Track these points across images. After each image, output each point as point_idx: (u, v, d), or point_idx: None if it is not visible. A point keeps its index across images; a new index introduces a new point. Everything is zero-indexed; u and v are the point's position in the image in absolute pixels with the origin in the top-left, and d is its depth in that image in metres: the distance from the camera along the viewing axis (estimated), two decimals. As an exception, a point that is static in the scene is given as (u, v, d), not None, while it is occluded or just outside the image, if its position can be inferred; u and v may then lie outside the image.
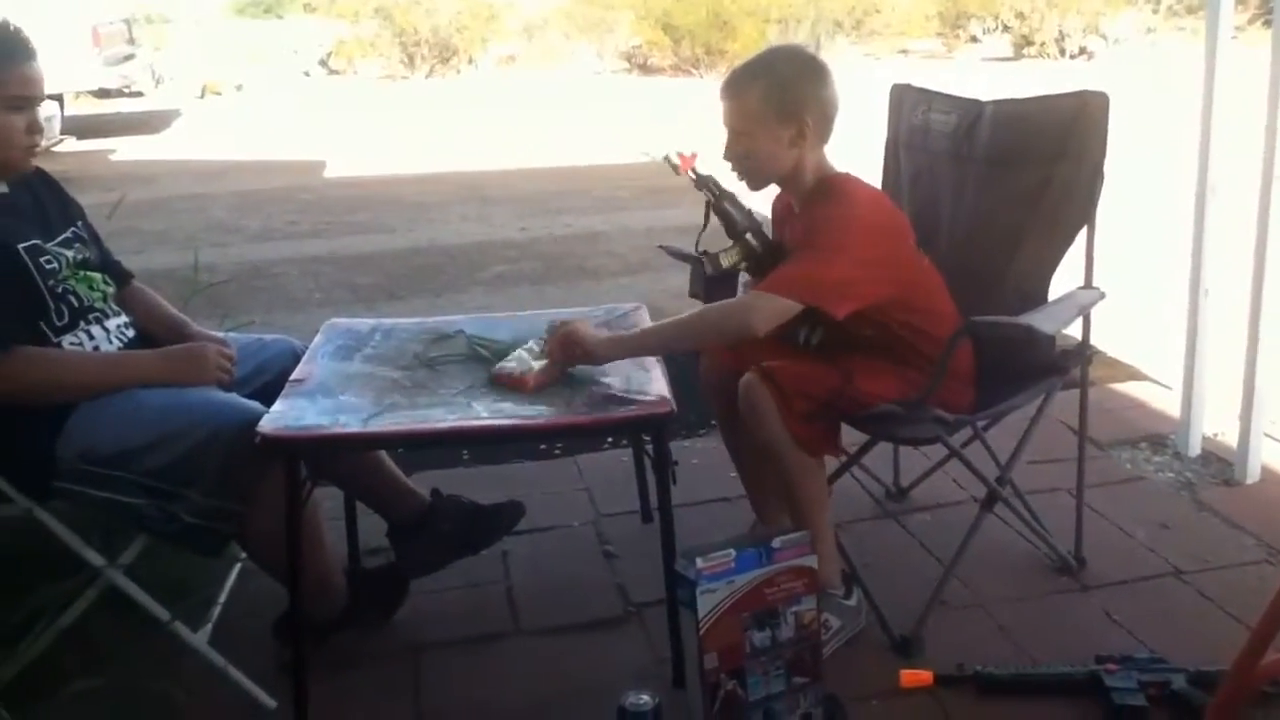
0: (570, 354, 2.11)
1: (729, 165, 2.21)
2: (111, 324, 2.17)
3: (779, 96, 2.14)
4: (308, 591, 2.02)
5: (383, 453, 2.43)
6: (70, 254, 2.12)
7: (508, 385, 2.09)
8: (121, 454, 1.92)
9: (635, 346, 2.18)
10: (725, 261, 2.25)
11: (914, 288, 2.23)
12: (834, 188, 2.20)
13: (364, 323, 2.50)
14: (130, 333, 2.22)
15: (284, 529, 1.93)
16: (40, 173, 2.20)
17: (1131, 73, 12.24)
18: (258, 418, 1.93)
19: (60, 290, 2.06)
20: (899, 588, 2.33)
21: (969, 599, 2.36)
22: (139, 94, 13.24)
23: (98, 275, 2.19)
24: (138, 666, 2.01)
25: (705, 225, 2.26)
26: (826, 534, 2.21)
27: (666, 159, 2.24)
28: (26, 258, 2.01)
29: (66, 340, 2.06)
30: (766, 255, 2.25)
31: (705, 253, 2.27)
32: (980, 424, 2.36)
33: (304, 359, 2.24)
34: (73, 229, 2.19)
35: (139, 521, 1.97)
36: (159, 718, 1.99)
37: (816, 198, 2.20)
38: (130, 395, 1.98)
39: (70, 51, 9.54)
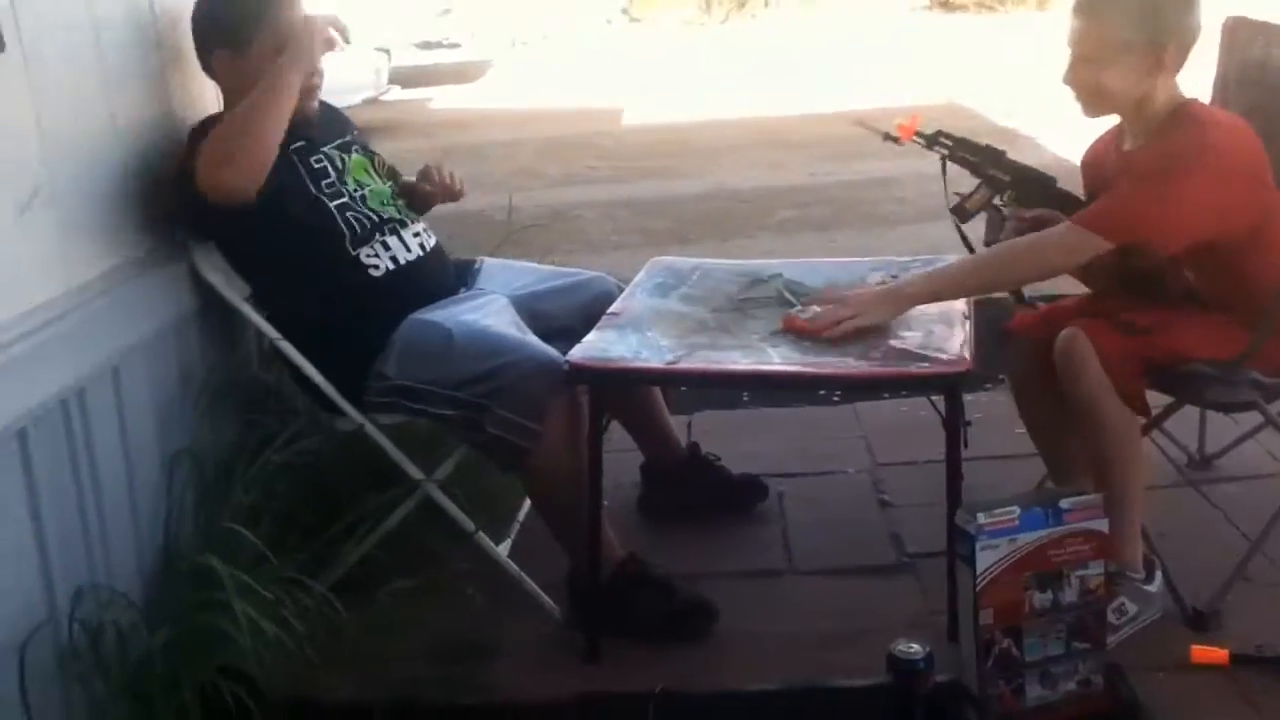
0: (839, 322, 2.05)
1: (1069, 88, 2.09)
2: (408, 232, 2.33)
3: (1143, 23, 1.97)
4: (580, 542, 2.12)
5: (659, 397, 2.57)
6: (344, 156, 2.31)
7: (798, 332, 2.10)
8: (436, 377, 2.10)
9: (916, 296, 2.12)
10: (970, 205, 2.22)
11: (1262, 230, 2.04)
12: (1187, 115, 2.03)
13: (686, 262, 2.57)
14: (432, 240, 2.38)
15: (572, 459, 2.06)
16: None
17: None
18: (557, 362, 2.06)
19: (341, 201, 2.24)
20: (1197, 560, 2.20)
21: (1277, 578, 2.20)
22: (456, 45, 14.09)
23: (385, 189, 2.36)
24: (450, 572, 2.22)
25: (945, 181, 2.21)
26: (1136, 508, 2.07)
27: (886, 136, 2.20)
28: (294, 156, 2.20)
29: (364, 252, 2.23)
30: (1022, 182, 2.20)
31: (954, 207, 2.23)
32: (1304, 391, 2.17)
33: (624, 294, 2.36)
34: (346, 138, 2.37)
35: (450, 429, 2.15)
36: (463, 617, 2.19)
37: (1167, 128, 2.04)
38: (446, 332, 2.14)
39: (396, 6, 10.31)
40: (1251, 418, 2.34)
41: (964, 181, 2.26)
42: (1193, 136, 1.99)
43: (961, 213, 2.24)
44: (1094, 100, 2.08)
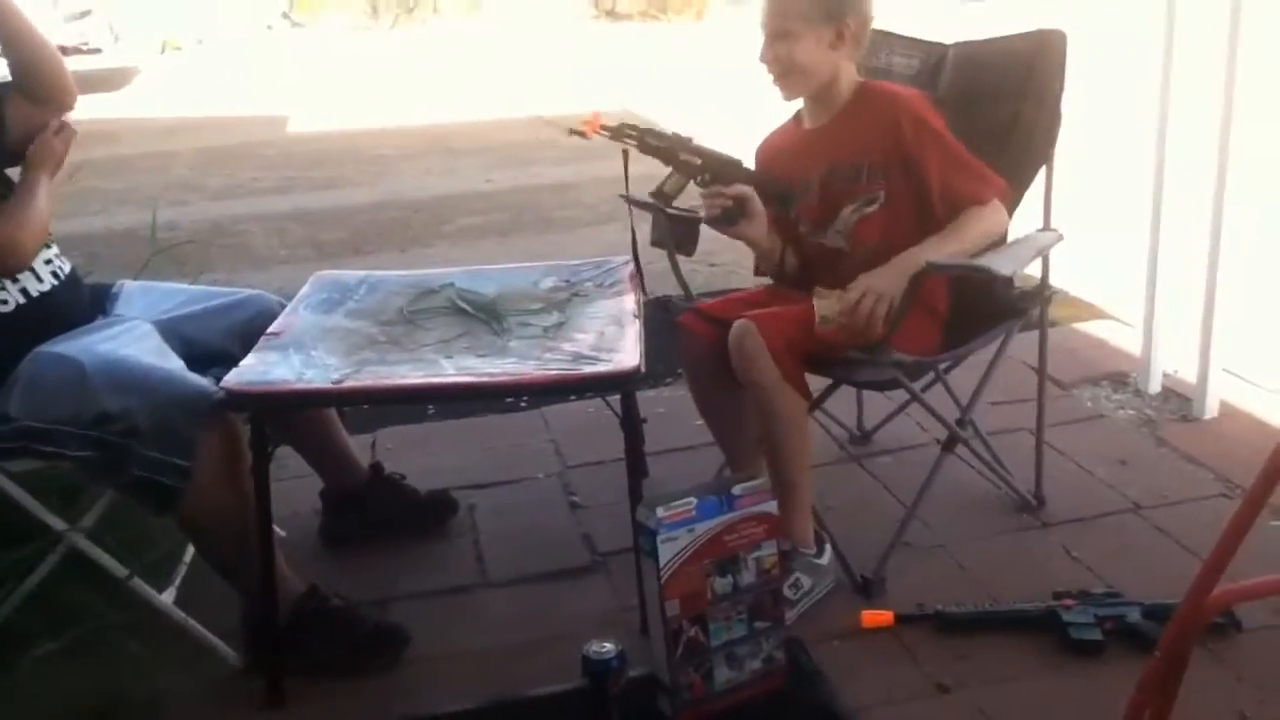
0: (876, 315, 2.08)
1: (766, 69, 2.22)
2: (39, 259, 2.10)
3: None
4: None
5: (335, 418, 2.44)
6: None
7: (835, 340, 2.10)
8: (67, 415, 1.89)
9: (916, 265, 2.11)
10: (669, 189, 2.28)
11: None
12: (883, 92, 2.26)
13: (352, 275, 2.44)
14: (67, 267, 2.18)
15: (231, 494, 1.92)
16: None
17: (1092, 5, 12.17)
18: (205, 391, 1.92)
19: None
20: (862, 530, 2.35)
21: (931, 539, 2.38)
22: (97, 50, 12.98)
23: None
24: (105, 627, 2.00)
25: (627, 172, 2.26)
26: (806, 486, 2.19)
27: (571, 131, 2.25)
28: None
29: None
30: (714, 163, 2.27)
31: (653, 192, 2.27)
32: (941, 366, 2.37)
33: (286, 310, 2.21)
34: None
35: (89, 473, 1.95)
36: (125, 675, 1.99)
37: (866, 106, 2.24)
38: (77, 365, 1.94)
39: (25, 8, 9.35)
40: (902, 394, 2.52)
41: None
42: (917, 111, 2.20)
43: (663, 197, 2.29)
44: (789, 77, 2.23)
